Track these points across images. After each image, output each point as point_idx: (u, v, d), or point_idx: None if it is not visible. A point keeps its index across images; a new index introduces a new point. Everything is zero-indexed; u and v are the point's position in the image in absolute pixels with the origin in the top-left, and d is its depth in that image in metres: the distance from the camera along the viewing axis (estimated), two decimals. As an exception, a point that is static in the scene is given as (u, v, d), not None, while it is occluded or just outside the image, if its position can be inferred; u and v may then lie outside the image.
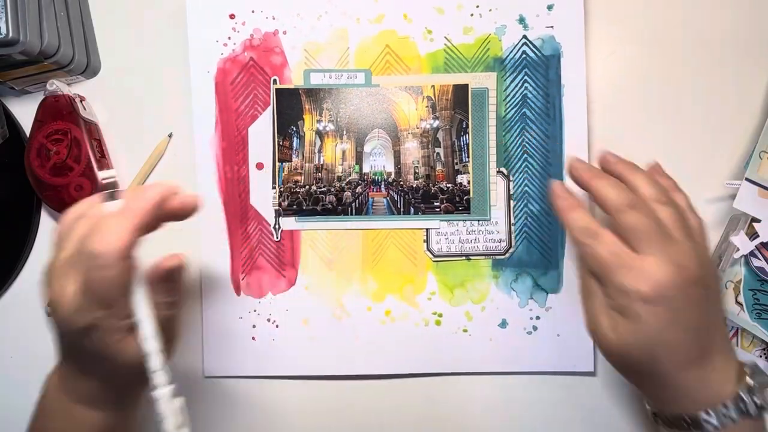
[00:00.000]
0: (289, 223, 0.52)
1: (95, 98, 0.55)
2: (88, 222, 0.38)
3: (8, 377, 0.55)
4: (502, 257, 0.53)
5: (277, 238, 0.52)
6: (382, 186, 0.52)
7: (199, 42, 0.53)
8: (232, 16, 0.53)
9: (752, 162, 0.47)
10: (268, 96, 0.53)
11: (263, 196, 0.53)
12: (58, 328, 0.39)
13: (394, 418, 0.54)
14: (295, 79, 0.53)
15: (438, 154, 0.52)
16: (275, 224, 0.52)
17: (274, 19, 0.53)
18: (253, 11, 0.53)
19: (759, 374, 0.39)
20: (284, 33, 0.53)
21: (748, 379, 0.38)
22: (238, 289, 0.53)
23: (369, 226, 0.53)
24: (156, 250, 0.53)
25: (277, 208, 0.52)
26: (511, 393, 0.53)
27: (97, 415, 0.41)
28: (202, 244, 0.53)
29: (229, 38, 0.53)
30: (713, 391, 0.38)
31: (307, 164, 0.52)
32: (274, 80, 0.52)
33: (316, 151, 0.52)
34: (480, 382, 0.53)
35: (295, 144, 0.52)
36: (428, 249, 0.53)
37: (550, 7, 0.52)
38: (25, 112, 0.55)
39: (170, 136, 0.54)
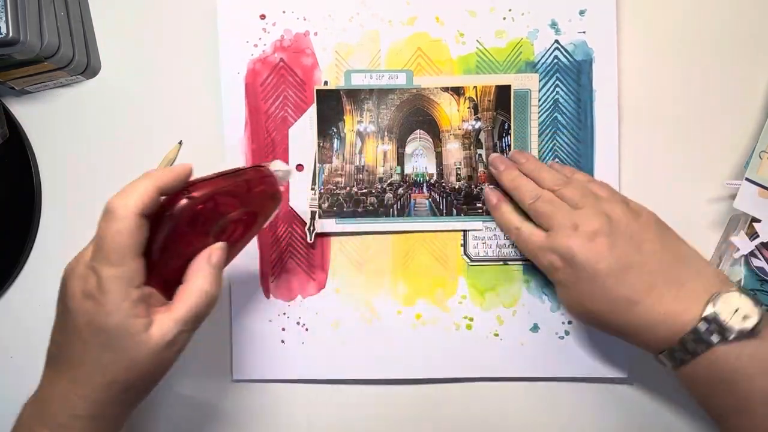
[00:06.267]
0: (329, 224, 0.51)
1: (95, 98, 0.54)
2: None
3: (8, 377, 0.54)
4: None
5: (311, 239, 0.51)
6: (424, 187, 0.52)
7: (230, 43, 0.52)
8: (262, 17, 0.52)
9: (752, 162, 0.48)
10: (298, 97, 0.52)
11: (302, 198, 0.52)
12: (65, 306, 0.36)
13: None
14: (332, 80, 0.52)
15: (480, 155, 0.52)
16: (310, 226, 0.52)
17: (305, 20, 0.52)
18: (284, 12, 0.52)
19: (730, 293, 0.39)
20: (315, 34, 0.52)
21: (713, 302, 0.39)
22: (267, 292, 0.53)
23: (411, 228, 0.52)
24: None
25: (315, 210, 0.51)
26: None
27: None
28: (230, 246, 0.52)
29: (260, 39, 0.52)
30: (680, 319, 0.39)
31: (348, 165, 0.51)
32: (319, 90, 0.52)
33: (357, 152, 0.52)
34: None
35: (335, 145, 0.52)
36: (465, 253, 0.53)
37: (582, 13, 0.52)
38: (25, 112, 0.54)
39: (180, 143, 0.54)
